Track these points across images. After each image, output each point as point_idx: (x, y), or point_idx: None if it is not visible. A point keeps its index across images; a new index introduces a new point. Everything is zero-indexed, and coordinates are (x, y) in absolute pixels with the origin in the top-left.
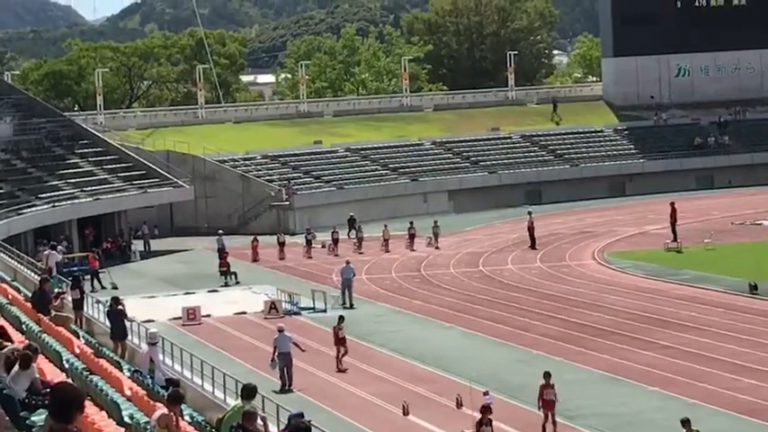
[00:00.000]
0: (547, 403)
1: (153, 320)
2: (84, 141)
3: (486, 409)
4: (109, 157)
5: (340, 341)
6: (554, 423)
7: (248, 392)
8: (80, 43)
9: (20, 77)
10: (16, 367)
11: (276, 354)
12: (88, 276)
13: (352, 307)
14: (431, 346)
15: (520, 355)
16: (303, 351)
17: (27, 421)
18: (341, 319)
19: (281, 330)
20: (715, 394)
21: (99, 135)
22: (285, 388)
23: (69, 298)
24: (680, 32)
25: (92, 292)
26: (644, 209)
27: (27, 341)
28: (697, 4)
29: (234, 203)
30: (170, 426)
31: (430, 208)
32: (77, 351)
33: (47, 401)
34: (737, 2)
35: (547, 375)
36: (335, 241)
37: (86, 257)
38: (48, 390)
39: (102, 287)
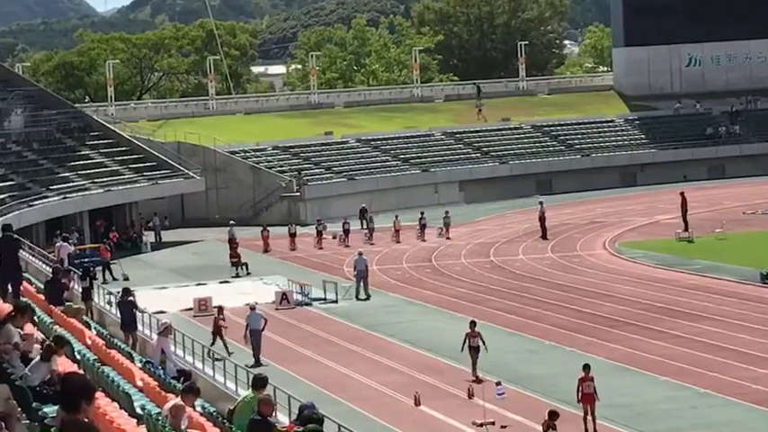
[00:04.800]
0: (586, 397)
1: (164, 311)
2: (95, 133)
3: (553, 415)
4: (120, 149)
5: (474, 350)
6: (594, 418)
7: (259, 382)
8: (91, 35)
9: (31, 69)
10: (37, 357)
11: (248, 330)
12: (99, 267)
13: (368, 298)
14: (442, 337)
15: (531, 345)
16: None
17: (39, 412)
18: (473, 324)
19: (252, 308)
20: (727, 384)
21: (110, 126)
22: (256, 362)
23: (78, 288)
24: (691, 22)
25: (103, 283)
26: (655, 199)
27: (55, 332)
28: None
29: (245, 195)
30: (177, 416)
31: (441, 198)
32: (89, 342)
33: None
34: None
35: (586, 368)
36: (346, 232)
37: (98, 249)
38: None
39: (114, 278)
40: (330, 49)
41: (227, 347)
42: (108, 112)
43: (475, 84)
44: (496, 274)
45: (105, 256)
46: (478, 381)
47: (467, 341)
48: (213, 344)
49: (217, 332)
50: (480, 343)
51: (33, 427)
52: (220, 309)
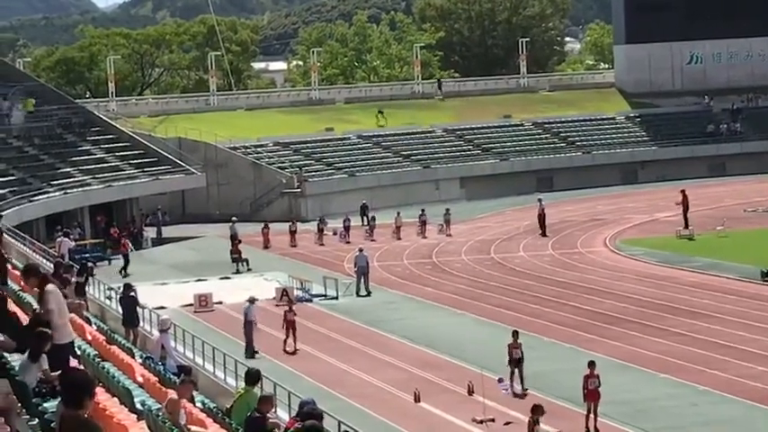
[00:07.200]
0: (591, 393)
1: (165, 307)
2: (96, 128)
3: (537, 408)
4: (121, 144)
5: (515, 362)
6: (596, 415)
7: (252, 378)
8: (92, 30)
9: (32, 64)
10: (25, 358)
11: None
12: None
13: (368, 294)
14: (442, 333)
15: (531, 341)
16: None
17: (39, 407)
18: (515, 334)
19: (251, 302)
20: (727, 381)
21: (111, 122)
22: (251, 353)
23: (73, 280)
24: (692, 19)
25: (124, 276)
26: (656, 196)
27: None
28: None
29: (246, 190)
30: (174, 411)
31: (441, 195)
32: (89, 338)
33: (57, 388)
34: None
35: (591, 364)
36: (347, 228)
37: (97, 245)
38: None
39: (128, 274)
40: (331, 46)
41: (295, 342)
42: (109, 107)
43: (437, 80)
44: (497, 271)
45: (124, 249)
46: (524, 394)
47: (510, 353)
48: (287, 338)
49: (289, 326)
50: (520, 354)
51: (34, 424)
52: (291, 300)
